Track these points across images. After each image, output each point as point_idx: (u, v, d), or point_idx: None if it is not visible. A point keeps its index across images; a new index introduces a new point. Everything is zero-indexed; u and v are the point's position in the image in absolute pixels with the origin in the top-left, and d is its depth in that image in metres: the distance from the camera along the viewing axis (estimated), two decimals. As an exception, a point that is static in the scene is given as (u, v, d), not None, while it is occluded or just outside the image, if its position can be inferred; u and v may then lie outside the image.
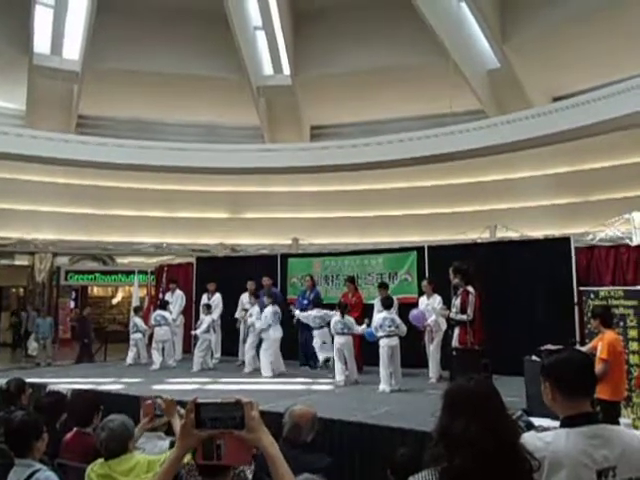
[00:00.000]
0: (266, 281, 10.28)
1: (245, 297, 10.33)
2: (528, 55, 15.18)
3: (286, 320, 9.34)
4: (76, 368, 10.89)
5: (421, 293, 8.93)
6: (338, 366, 8.04)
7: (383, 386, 7.45)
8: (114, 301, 21.26)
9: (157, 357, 9.96)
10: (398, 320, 7.72)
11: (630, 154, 13.65)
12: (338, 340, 8.01)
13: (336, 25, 17.26)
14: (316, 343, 8.75)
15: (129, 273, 17.88)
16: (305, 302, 9.71)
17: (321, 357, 8.60)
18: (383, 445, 5.00)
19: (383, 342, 7.59)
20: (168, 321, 10.16)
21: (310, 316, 8.80)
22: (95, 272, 20.01)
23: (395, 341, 7.60)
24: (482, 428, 1.50)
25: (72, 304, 19.74)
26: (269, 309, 9.08)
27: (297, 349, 9.74)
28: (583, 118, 12.62)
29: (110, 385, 7.92)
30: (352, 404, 6.48)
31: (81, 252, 18.90)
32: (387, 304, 7.91)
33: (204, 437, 1.37)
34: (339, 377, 8.00)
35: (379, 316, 7.85)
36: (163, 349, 10.11)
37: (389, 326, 7.62)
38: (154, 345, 10.10)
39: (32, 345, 13.79)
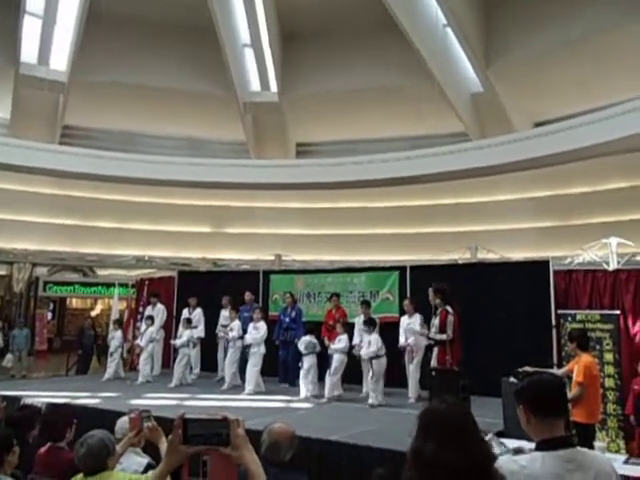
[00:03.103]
0: (248, 296, 10.27)
1: (225, 313, 10.29)
2: (511, 80, 15.50)
3: (270, 337, 9.36)
4: (52, 381, 10.71)
5: (402, 312, 8.97)
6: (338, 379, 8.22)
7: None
8: (93, 313, 20.97)
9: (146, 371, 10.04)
10: (380, 343, 7.87)
11: (609, 180, 13.96)
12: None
13: (324, 45, 17.48)
14: (303, 371, 8.52)
15: (109, 285, 17.68)
16: (287, 320, 9.71)
17: (304, 388, 8.44)
18: (361, 465, 5.00)
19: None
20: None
21: (305, 341, 8.67)
22: (74, 283, 19.74)
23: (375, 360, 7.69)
24: (454, 450, 1.51)
25: (50, 315, 19.44)
26: (263, 324, 9.05)
27: (277, 366, 9.71)
28: (563, 144, 12.86)
29: (87, 399, 7.81)
30: (331, 423, 6.48)
31: (61, 263, 18.67)
32: (373, 324, 8.00)
33: (191, 453, 1.39)
34: (339, 392, 8.24)
35: (369, 337, 7.92)
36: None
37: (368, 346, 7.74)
38: (147, 359, 10.08)
39: (7, 356, 13.54)
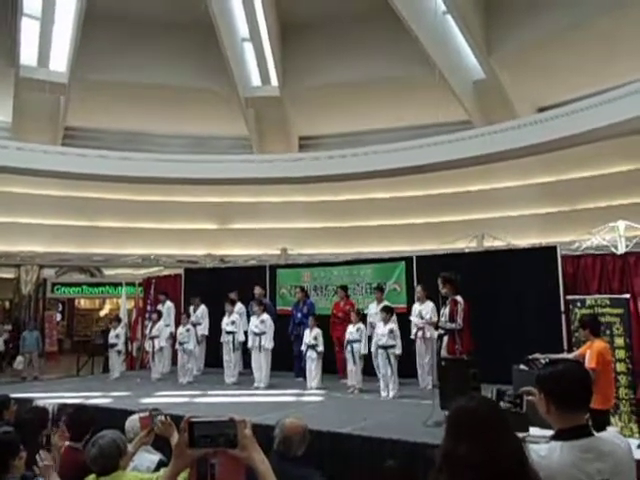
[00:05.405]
0: (258, 290, 10.26)
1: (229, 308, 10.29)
2: (513, 66, 15.36)
3: (280, 331, 9.32)
4: (63, 382, 10.76)
5: (410, 303, 8.94)
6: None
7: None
8: (101, 313, 21.06)
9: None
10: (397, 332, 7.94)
11: (615, 163, 13.83)
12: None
13: (323, 37, 17.38)
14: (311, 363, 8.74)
15: (116, 285, 17.74)
16: (299, 315, 9.68)
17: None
18: (373, 456, 4.99)
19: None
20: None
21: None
22: (82, 284, 19.83)
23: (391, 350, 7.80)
24: (487, 451, 1.44)
25: (59, 317, 19.51)
26: (266, 315, 9.04)
27: (291, 361, 9.70)
28: (568, 128, 12.77)
29: (99, 399, 7.84)
30: (342, 415, 6.47)
31: (68, 264, 18.72)
32: (390, 311, 8.04)
33: (198, 456, 1.37)
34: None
35: (386, 326, 7.93)
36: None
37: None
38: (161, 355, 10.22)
39: (18, 359, 13.62)
